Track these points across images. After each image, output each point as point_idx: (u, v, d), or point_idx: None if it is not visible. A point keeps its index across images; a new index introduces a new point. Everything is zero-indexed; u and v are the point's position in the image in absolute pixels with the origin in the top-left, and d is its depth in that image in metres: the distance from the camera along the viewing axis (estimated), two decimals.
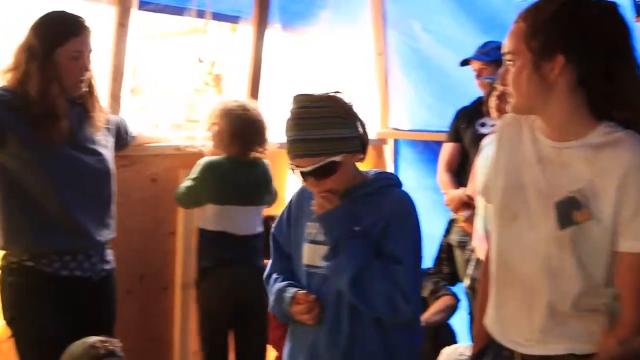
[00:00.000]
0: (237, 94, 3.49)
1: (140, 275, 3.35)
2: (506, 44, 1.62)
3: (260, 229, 3.22)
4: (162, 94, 3.94)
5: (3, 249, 2.49)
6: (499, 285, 1.71)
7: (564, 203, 1.57)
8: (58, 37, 2.43)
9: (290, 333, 2.06)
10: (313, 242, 1.92)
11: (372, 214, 1.88)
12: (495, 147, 1.76)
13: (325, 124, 1.85)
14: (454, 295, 3.60)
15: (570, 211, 1.56)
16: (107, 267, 2.67)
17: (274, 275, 2.02)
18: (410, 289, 1.84)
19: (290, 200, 2.05)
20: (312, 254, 1.93)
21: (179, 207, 3.30)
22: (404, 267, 1.83)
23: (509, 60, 1.62)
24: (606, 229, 1.55)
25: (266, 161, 3.24)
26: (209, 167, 3.11)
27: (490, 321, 1.75)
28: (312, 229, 1.93)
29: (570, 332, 1.60)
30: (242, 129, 3.10)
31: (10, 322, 2.52)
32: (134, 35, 3.19)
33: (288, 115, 1.90)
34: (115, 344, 2.33)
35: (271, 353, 3.42)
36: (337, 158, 1.85)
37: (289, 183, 3.70)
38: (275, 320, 2.70)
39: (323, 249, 1.89)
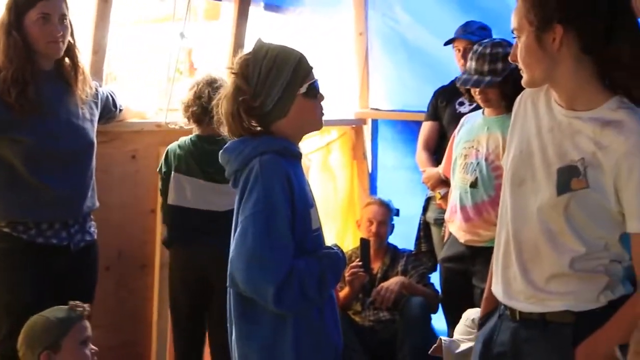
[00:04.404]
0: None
1: (118, 252, 3.34)
2: (512, 21, 1.69)
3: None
4: (136, 81, 3.92)
5: None
6: (505, 248, 1.78)
7: (565, 170, 1.65)
8: (25, 3, 2.47)
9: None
10: (312, 204, 1.93)
11: None
12: (512, 120, 1.83)
13: None
14: (434, 291, 3.62)
15: (569, 178, 1.63)
16: (88, 238, 2.69)
17: (297, 262, 1.80)
18: None
19: (280, 177, 1.81)
20: (315, 217, 1.93)
21: None
22: None
23: (516, 37, 1.69)
24: (602, 200, 1.61)
25: None
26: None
27: (495, 283, 1.83)
28: (309, 192, 1.94)
29: (569, 291, 1.68)
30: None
31: None
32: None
33: (269, 54, 1.88)
34: (86, 308, 2.37)
35: None
36: None
37: None
38: None
39: (315, 209, 1.95)
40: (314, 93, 1.91)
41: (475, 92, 2.94)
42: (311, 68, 1.91)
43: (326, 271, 1.87)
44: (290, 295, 1.76)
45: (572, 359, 1.65)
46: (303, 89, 1.88)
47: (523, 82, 1.72)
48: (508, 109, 2.90)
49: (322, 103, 1.97)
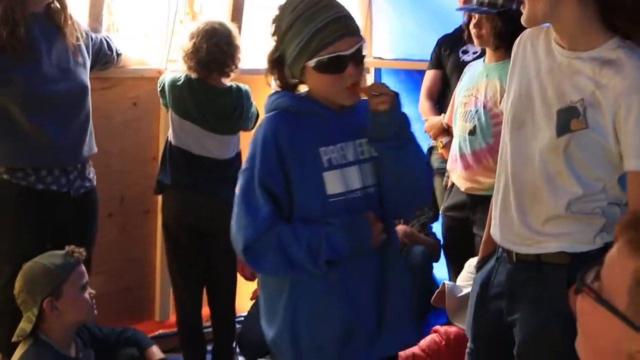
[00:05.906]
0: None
1: (121, 198, 3.37)
2: None
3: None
4: (139, 32, 3.87)
5: None
6: (505, 191, 1.78)
7: (564, 111, 1.64)
8: None
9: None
10: (339, 166, 1.76)
11: None
12: (511, 63, 1.81)
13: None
14: (436, 240, 3.63)
15: (569, 119, 1.63)
16: (87, 184, 2.70)
17: (283, 226, 1.72)
18: None
19: (265, 137, 1.75)
20: (341, 180, 1.76)
21: None
22: None
23: None
24: (601, 140, 1.61)
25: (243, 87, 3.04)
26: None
27: (493, 226, 1.84)
28: (331, 153, 1.76)
29: (564, 232, 1.69)
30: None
31: None
32: None
33: (298, 7, 1.70)
34: (83, 253, 2.39)
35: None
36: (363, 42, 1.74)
37: None
38: None
39: (354, 170, 1.78)
40: (328, 69, 1.69)
41: (472, 27, 2.94)
42: (335, 39, 1.67)
43: (324, 240, 1.71)
44: (268, 258, 1.72)
45: (566, 299, 1.66)
46: (312, 63, 1.69)
47: (523, 18, 1.69)
48: (506, 54, 2.90)
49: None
